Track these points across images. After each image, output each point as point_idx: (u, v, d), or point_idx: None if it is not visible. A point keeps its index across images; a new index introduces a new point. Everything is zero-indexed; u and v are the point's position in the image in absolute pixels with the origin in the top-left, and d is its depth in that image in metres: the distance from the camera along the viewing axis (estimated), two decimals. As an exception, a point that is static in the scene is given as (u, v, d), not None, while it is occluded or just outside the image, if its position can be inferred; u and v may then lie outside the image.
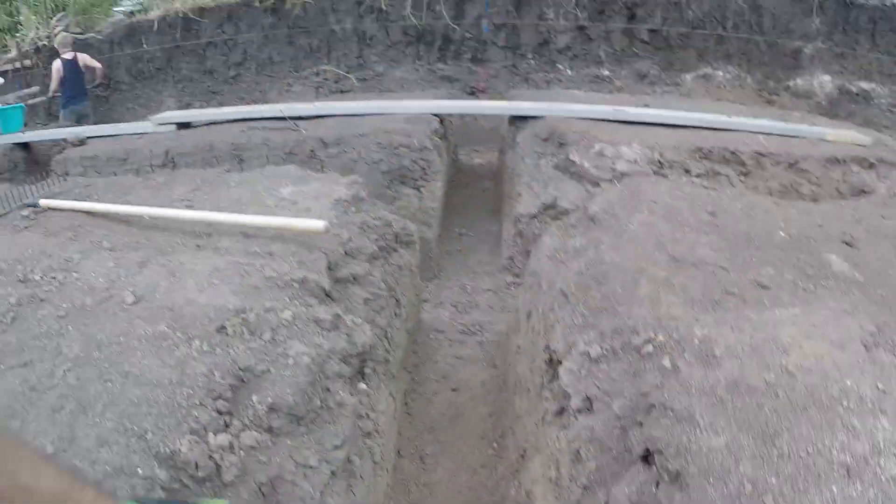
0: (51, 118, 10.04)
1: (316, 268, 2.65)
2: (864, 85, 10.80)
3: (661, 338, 2.14)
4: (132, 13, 15.56)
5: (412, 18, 10.38)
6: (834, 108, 10.50)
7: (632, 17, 10.57)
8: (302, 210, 3.21)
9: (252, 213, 3.26)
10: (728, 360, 2.00)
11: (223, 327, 2.23)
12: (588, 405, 2.18)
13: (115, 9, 17.22)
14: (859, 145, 5.66)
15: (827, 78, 10.82)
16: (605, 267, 2.62)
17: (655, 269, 2.56)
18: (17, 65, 14.08)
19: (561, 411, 2.37)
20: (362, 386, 2.53)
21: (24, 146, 7.34)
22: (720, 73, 10.78)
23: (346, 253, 2.91)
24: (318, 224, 2.75)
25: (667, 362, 2.05)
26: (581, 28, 10.41)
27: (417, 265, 4.00)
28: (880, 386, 1.79)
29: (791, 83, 10.80)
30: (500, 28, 10.27)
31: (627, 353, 2.17)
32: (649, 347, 2.13)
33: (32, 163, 7.18)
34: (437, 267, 5.32)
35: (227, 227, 3.07)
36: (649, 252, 2.70)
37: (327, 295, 2.60)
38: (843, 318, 2.27)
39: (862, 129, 6.74)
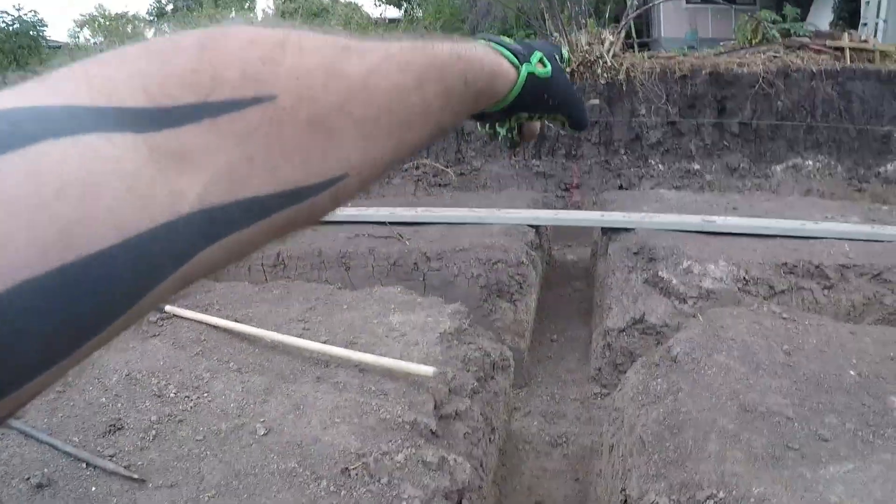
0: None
1: (425, 409, 3.03)
2: (958, 164, 10.76)
3: (721, 494, 2.44)
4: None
5: (508, 115, 10.83)
6: (927, 193, 10.48)
7: (722, 111, 10.80)
8: (411, 343, 3.61)
9: (365, 342, 3.69)
10: (781, 519, 2.30)
11: (346, 469, 2.62)
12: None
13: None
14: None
15: (919, 162, 10.82)
16: (680, 417, 2.92)
17: (725, 420, 2.85)
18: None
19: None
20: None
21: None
22: (810, 162, 10.87)
23: (450, 391, 3.28)
24: (427, 370, 3.14)
25: (727, 518, 2.35)
26: (672, 123, 10.70)
27: (511, 384, 4.34)
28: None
29: (881, 169, 10.80)
30: (593, 125, 10.62)
31: (694, 507, 2.47)
32: (711, 503, 2.43)
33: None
34: (527, 375, 5.62)
35: (343, 359, 3.48)
36: (722, 402, 2.99)
37: (433, 433, 2.97)
38: (893, 473, 2.53)
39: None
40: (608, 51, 10.85)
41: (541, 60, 0.84)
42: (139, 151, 0.39)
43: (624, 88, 10.58)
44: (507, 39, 0.83)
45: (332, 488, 2.56)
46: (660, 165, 10.78)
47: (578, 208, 9.44)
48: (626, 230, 6.24)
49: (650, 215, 6.53)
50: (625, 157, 10.80)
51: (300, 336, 3.76)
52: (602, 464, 3.63)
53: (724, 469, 2.55)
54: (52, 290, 0.33)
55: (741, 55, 11.39)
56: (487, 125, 0.95)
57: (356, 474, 2.62)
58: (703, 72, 10.65)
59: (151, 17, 38.88)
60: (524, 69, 0.80)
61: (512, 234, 6.11)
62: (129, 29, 26.58)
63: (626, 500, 2.79)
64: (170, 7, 38.73)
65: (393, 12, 26.97)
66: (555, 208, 8.52)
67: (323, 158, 0.50)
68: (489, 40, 0.81)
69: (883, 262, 5.32)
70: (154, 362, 3.49)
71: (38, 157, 0.34)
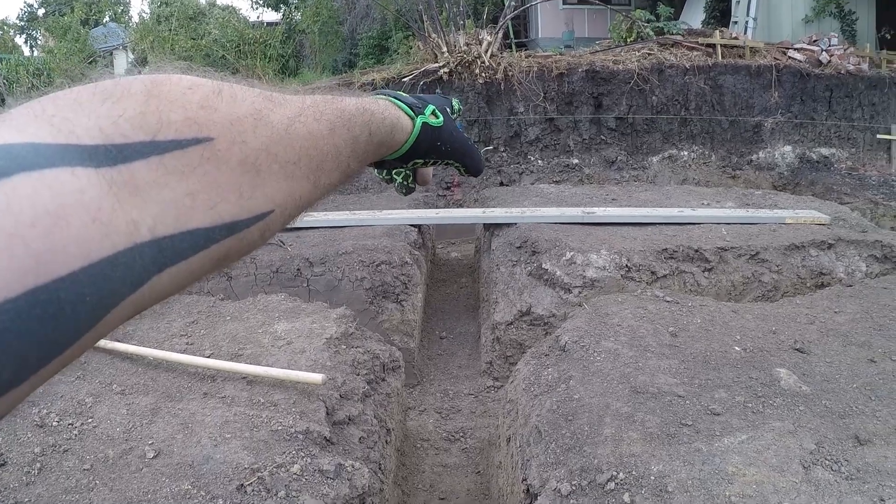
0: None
1: (316, 417, 2.96)
2: (824, 151, 11.35)
3: (621, 475, 2.47)
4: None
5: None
6: (796, 177, 11.03)
7: (598, 107, 11.08)
8: (298, 351, 3.52)
9: (251, 353, 3.59)
10: (679, 494, 2.33)
11: (242, 486, 2.53)
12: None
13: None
14: (819, 224, 6.07)
15: (788, 148, 11.39)
16: (574, 404, 2.95)
17: (619, 404, 2.89)
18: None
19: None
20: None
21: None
22: (685, 153, 11.28)
23: (341, 396, 3.21)
24: (316, 378, 3.07)
25: (627, 498, 2.38)
26: (550, 120, 10.89)
27: (403, 384, 4.30)
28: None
29: (753, 157, 11.34)
30: (472, 124, 10.72)
31: (594, 490, 2.49)
32: (612, 485, 2.45)
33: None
34: (420, 373, 5.60)
35: (230, 373, 3.37)
36: (614, 386, 3.03)
37: (328, 441, 2.90)
38: (785, 439, 2.61)
39: (822, 203, 7.15)
40: (486, 51, 10.97)
41: (433, 112, 0.92)
42: (100, 184, 0.42)
43: (502, 87, 10.72)
44: (403, 94, 0.92)
45: (227, 507, 2.46)
46: (539, 161, 10.96)
47: (460, 206, 9.50)
48: (509, 225, 6.30)
49: (531, 209, 6.62)
50: (504, 154, 10.93)
51: (184, 352, 3.63)
52: (501, 455, 3.64)
53: (621, 450, 2.59)
54: (27, 309, 0.36)
55: (616, 53, 11.73)
56: (385, 171, 1.01)
57: (252, 490, 2.53)
58: (580, 70, 10.90)
59: (23, 22, 36.91)
60: (419, 120, 0.89)
61: (394, 234, 6.09)
62: (-1, 36, 24.88)
63: (528, 490, 2.79)
64: (41, 12, 36.92)
65: (271, 16, 26.33)
66: (436, 207, 8.53)
67: (252, 195, 0.55)
68: (388, 95, 0.89)
69: (759, 243, 5.54)
70: (32, 390, 3.29)
71: (13, 190, 0.37)
